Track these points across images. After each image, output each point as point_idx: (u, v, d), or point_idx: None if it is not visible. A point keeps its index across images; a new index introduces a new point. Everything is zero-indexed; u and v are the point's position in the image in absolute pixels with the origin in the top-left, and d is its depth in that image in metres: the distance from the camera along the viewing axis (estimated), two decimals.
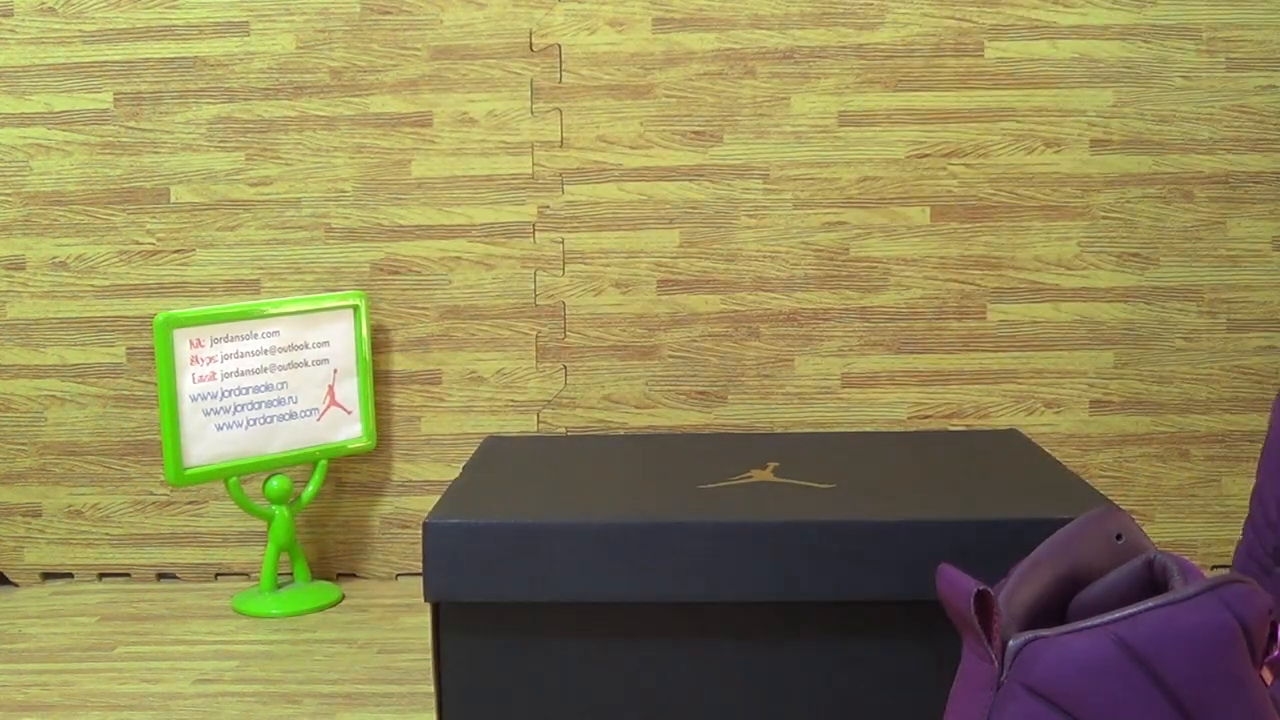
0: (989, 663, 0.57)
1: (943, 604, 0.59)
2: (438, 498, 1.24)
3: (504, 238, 1.22)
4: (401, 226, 1.22)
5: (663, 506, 0.86)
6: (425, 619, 1.13)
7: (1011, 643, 0.56)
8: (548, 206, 1.22)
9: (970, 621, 0.56)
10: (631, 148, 1.21)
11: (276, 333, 1.17)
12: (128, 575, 1.26)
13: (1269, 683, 0.60)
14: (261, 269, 1.23)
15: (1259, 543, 0.80)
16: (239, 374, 1.16)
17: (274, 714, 0.93)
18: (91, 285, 1.24)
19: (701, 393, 1.23)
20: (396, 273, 1.23)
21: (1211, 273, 1.21)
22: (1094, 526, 0.62)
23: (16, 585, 1.26)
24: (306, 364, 1.19)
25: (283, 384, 1.18)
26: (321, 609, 1.16)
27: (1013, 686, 0.56)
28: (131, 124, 1.22)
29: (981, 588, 0.56)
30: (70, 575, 1.27)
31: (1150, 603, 0.56)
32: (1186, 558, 0.62)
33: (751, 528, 0.82)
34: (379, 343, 1.23)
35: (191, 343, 1.13)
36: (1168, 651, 0.54)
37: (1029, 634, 0.56)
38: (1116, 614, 0.56)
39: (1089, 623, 0.56)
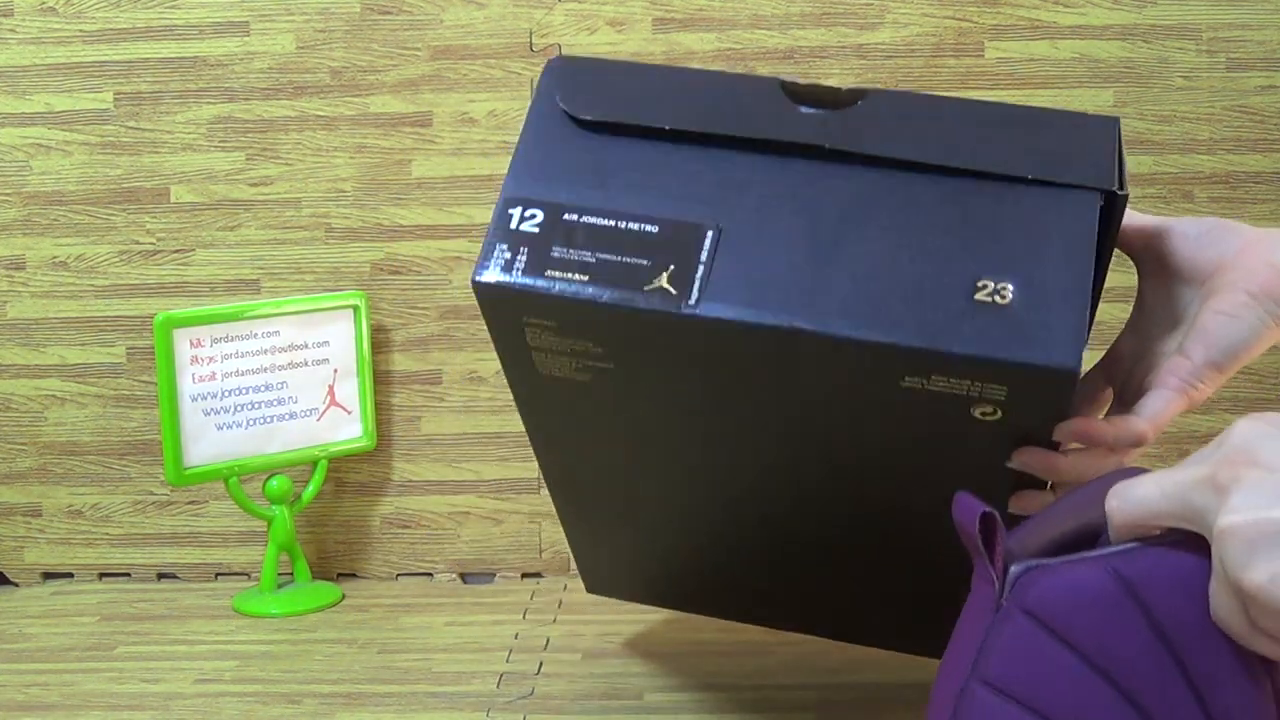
0: (991, 585, 0.59)
1: (957, 531, 0.61)
2: (438, 498, 1.24)
3: None
4: (401, 226, 1.22)
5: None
6: (425, 619, 1.13)
7: (1014, 568, 0.59)
8: None
9: (976, 543, 0.59)
10: None
11: (276, 333, 1.17)
12: (128, 575, 1.26)
13: None
14: (261, 269, 1.23)
15: None
16: (239, 374, 1.16)
17: (274, 714, 0.93)
18: (91, 285, 1.24)
19: None
20: (397, 273, 1.23)
21: None
22: (1118, 481, 0.64)
23: (16, 585, 1.26)
24: (306, 364, 1.19)
25: (283, 384, 1.18)
26: (321, 609, 1.16)
27: (1011, 609, 0.58)
28: (131, 124, 1.22)
29: (988, 510, 0.58)
30: (70, 575, 1.27)
31: (1151, 540, 0.58)
32: None
33: None
34: (379, 343, 1.23)
35: (191, 343, 1.13)
36: (1161, 586, 0.56)
37: (1031, 561, 0.59)
38: (1117, 548, 0.58)
39: (1089, 554, 0.58)
